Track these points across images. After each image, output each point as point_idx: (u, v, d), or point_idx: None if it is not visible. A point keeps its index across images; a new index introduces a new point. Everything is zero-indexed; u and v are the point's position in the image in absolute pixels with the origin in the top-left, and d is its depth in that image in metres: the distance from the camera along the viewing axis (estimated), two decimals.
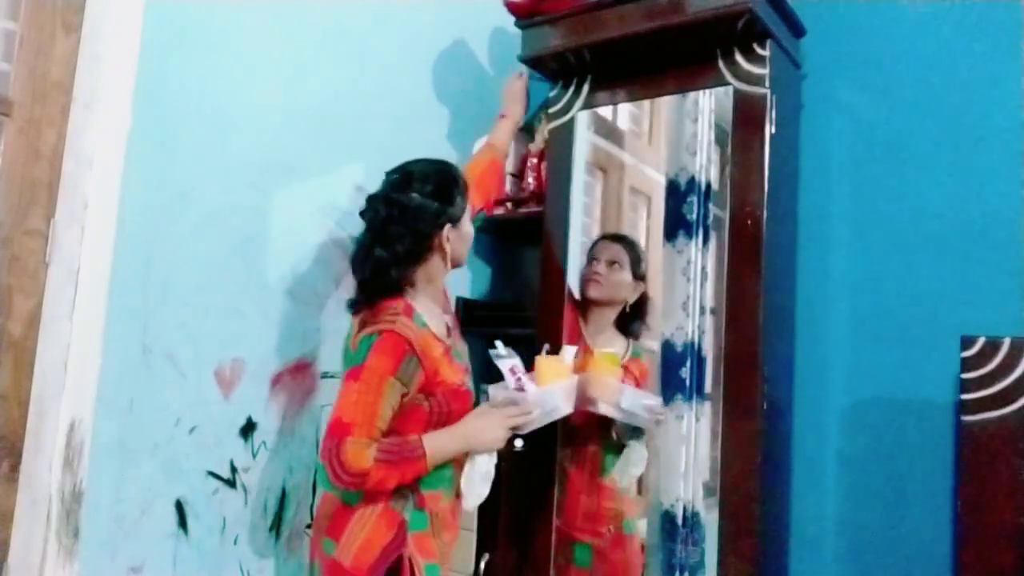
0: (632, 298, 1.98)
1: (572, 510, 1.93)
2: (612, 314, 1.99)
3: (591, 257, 2.00)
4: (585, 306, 2.02)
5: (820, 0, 1.96)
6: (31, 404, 1.46)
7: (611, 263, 1.97)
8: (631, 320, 1.98)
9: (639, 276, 1.98)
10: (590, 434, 1.93)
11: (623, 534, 1.92)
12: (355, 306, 1.54)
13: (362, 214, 1.57)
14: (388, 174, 1.59)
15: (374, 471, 1.35)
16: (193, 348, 1.67)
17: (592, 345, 1.93)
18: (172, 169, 1.64)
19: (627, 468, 1.87)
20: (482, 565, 1.90)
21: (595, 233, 2.11)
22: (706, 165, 1.92)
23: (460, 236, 1.58)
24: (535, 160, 2.26)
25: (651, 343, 1.98)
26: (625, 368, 1.89)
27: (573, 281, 2.03)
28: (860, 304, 1.86)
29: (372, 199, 1.56)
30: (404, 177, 1.55)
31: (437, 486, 1.48)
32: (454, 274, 2.35)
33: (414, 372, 1.43)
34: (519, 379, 1.55)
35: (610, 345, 1.92)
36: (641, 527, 1.93)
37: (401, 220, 1.50)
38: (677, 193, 1.96)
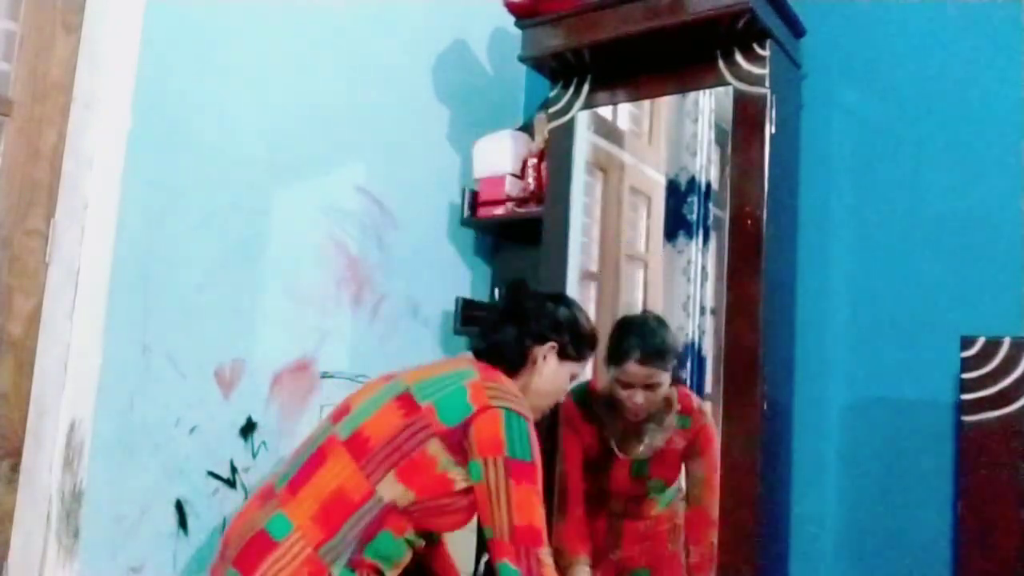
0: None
1: (630, 547, 1.84)
2: None
3: (623, 382, 1.69)
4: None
5: (820, 0, 1.96)
6: (31, 404, 1.46)
7: (649, 386, 1.68)
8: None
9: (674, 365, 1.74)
10: (636, 491, 1.81)
11: (678, 550, 1.84)
12: (478, 355, 1.47)
13: (506, 291, 1.56)
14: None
15: None
16: (193, 348, 1.67)
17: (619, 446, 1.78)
18: (172, 169, 1.64)
19: None
20: (482, 565, 1.90)
21: (595, 233, 2.10)
22: (706, 165, 1.92)
23: (557, 373, 1.48)
24: (535, 160, 2.25)
25: None
26: (665, 451, 1.75)
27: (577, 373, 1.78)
28: (860, 304, 1.86)
29: (524, 286, 1.57)
30: (563, 298, 1.59)
31: (387, 560, 1.28)
32: (454, 273, 2.37)
33: None
34: None
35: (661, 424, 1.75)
36: None
37: (532, 312, 1.48)
38: (677, 193, 1.96)
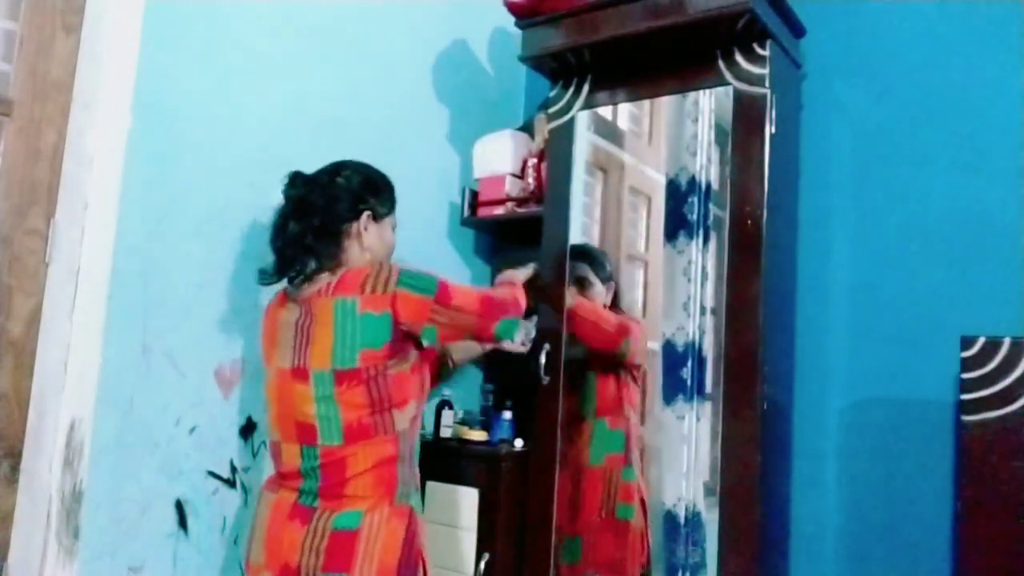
0: None
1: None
2: None
3: None
4: None
5: (820, 0, 1.96)
6: (31, 404, 1.46)
7: None
8: None
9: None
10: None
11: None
12: (266, 277, 1.48)
13: (284, 190, 1.51)
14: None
15: None
16: (193, 348, 1.67)
17: None
18: (172, 169, 1.64)
19: None
20: (482, 565, 1.90)
21: (595, 233, 2.10)
22: (706, 165, 1.92)
23: (381, 236, 1.51)
24: (535, 160, 2.25)
25: (652, 344, 1.98)
26: None
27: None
28: (860, 304, 1.86)
29: (295, 176, 1.51)
30: (334, 166, 1.53)
31: None
32: (454, 273, 2.37)
33: None
34: None
35: None
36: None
37: (319, 196, 1.46)
38: (677, 193, 1.96)
